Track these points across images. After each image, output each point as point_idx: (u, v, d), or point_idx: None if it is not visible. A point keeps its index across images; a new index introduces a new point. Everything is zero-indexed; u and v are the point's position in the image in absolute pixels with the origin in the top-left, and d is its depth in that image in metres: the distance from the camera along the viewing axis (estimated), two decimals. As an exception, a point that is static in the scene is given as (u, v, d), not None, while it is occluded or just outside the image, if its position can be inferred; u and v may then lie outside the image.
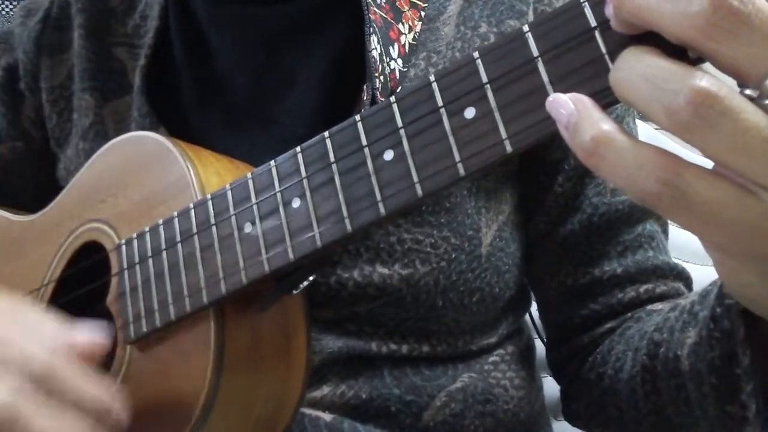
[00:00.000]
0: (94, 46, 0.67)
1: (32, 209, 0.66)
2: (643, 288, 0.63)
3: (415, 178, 0.38)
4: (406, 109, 0.39)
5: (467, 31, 0.61)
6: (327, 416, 0.56)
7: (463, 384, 0.59)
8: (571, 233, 0.63)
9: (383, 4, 0.59)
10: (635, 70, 0.30)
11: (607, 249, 0.63)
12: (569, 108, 0.32)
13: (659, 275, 0.63)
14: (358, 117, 0.41)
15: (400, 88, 0.59)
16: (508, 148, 0.36)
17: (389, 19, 0.59)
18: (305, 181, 0.42)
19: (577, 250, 0.64)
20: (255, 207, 0.44)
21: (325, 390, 0.56)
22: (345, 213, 0.40)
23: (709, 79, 0.29)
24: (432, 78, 0.39)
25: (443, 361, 0.60)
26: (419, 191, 0.38)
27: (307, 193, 0.42)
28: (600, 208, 0.63)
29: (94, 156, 0.56)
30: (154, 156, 0.52)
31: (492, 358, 0.62)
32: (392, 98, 0.40)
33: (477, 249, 0.58)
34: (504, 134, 0.36)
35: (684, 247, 0.89)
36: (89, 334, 0.43)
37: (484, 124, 0.37)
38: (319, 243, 0.41)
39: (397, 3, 0.61)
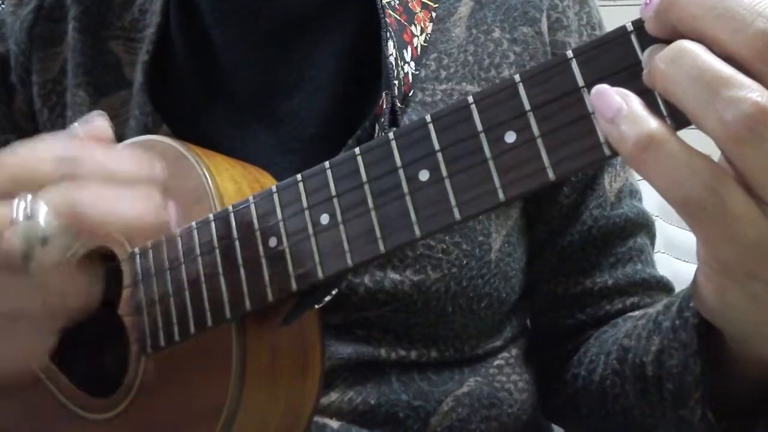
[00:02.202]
0: (89, 39, 0.66)
1: None
2: (629, 301, 0.66)
3: (453, 202, 0.39)
4: (443, 130, 0.40)
5: (480, 35, 0.62)
6: (334, 423, 0.57)
7: (470, 388, 0.61)
8: (569, 244, 0.65)
9: (397, 5, 0.59)
10: (688, 68, 0.31)
11: (600, 261, 0.65)
12: (616, 102, 0.33)
13: (646, 288, 0.66)
14: (391, 135, 0.41)
15: (412, 91, 0.59)
16: (551, 176, 0.37)
17: (402, 21, 0.59)
18: (335, 200, 0.42)
19: (572, 261, 0.66)
20: (281, 223, 0.44)
21: (332, 397, 0.57)
22: (378, 234, 0.41)
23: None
24: (470, 100, 0.39)
25: (450, 366, 0.61)
26: (457, 215, 0.39)
27: (338, 212, 0.42)
28: (599, 221, 0.65)
29: None
30: (168, 161, 0.51)
31: (497, 362, 0.64)
32: (428, 118, 0.40)
33: (487, 255, 0.59)
34: (547, 162, 0.36)
35: (684, 248, 0.92)
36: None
37: (525, 150, 0.37)
38: (350, 263, 0.42)
39: (409, 4, 0.60)
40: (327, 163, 0.43)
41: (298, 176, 0.44)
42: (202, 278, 0.46)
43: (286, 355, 0.49)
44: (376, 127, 0.55)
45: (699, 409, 0.46)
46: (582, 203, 0.64)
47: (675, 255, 0.94)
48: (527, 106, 0.37)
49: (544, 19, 0.62)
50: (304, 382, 0.51)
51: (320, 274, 0.42)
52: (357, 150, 0.42)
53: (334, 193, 0.42)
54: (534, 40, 0.62)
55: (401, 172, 0.40)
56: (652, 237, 0.69)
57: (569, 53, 0.36)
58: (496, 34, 0.62)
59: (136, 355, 0.50)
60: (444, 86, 0.60)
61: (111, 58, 0.66)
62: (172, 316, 0.47)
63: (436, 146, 0.39)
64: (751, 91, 0.29)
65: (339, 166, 0.43)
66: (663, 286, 0.67)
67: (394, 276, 0.56)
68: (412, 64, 0.59)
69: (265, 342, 0.48)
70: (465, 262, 0.58)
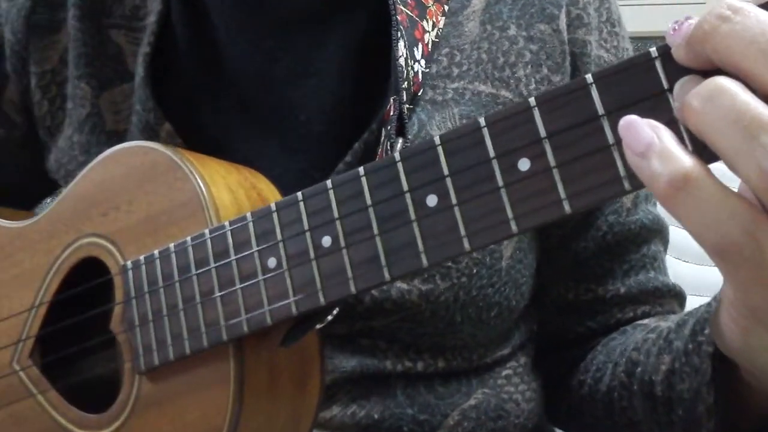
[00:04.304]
0: (89, 28, 0.64)
1: (15, 201, 0.64)
2: (641, 309, 0.65)
3: (463, 232, 0.38)
4: (453, 154, 0.38)
5: (494, 32, 0.60)
6: None
7: (477, 401, 0.60)
8: (583, 249, 0.64)
9: (409, 0, 0.57)
10: (726, 110, 0.29)
11: (614, 268, 0.65)
12: (648, 135, 0.31)
13: (658, 296, 0.66)
14: (398, 156, 0.40)
15: (421, 91, 0.58)
16: (567, 209, 0.35)
17: (414, 16, 0.57)
18: (338, 223, 0.41)
19: (585, 267, 0.65)
20: (281, 244, 0.43)
21: (334, 410, 0.57)
22: (383, 261, 0.40)
23: None
24: (482, 123, 0.38)
25: (458, 377, 0.60)
26: (467, 245, 0.38)
27: (341, 236, 0.41)
28: (615, 227, 0.64)
29: (93, 163, 0.54)
30: (161, 170, 0.50)
31: (505, 372, 0.63)
32: (437, 140, 0.39)
33: (498, 263, 0.58)
34: (563, 194, 0.35)
35: (684, 248, 0.91)
36: None
37: (540, 180, 0.36)
38: (353, 289, 0.41)
39: None
40: (329, 183, 0.42)
41: (299, 195, 0.43)
42: (198, 298, 0.46)
43: (285, 372, 0.48)
44: (383, 132, 0.54)
45: None
46: (597, 209, 0.63)
47: (675, 255, 0.93)
48: (543, 133, 0.36)
49: (562, 16, 0.60)
50: (303, 398, 0.50)
51: (322, 300, 0.42)
52: (361, 170, 0.41)
53: (336, 215, 0.41)
54: (551, 38, 0.60)
55: (408, 196, 0.39)
56: (665, 243, 0.68)
57: (588, 77, 0.35)
58: (512, 31, 0.60)
59: (129, 371, 0.49)
60: (455, 84, 0.59)
61: (113, 48, 0.64)
62: (166, 335, 0.47)
63: (445, 170, 0.38)
64: None
65: (342, 186, 0.41)
66: (675, 294, 0.66)
67: (401, 285, 0.55)
68: (423, 62, 0.58)
69: (263, 360, 0.47)
70: (475, 270, 0.57)
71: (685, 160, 0.30)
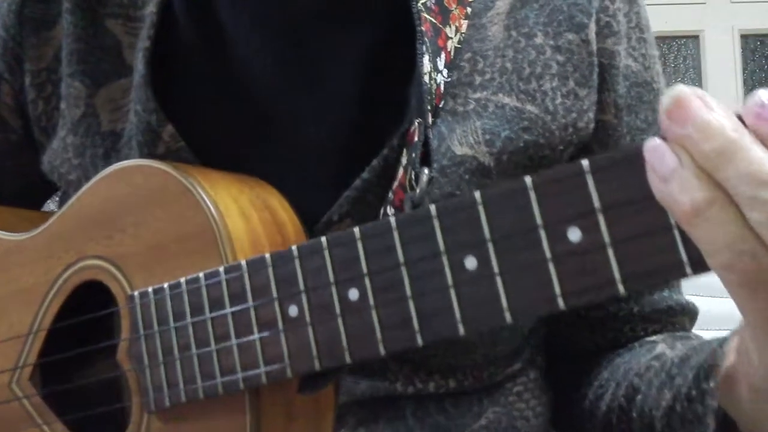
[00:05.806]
0: (83, 20, 0.60)
1: (16, 204, 0.61)
2: (651, 328, 0.65)
3: (504, 304, 0.35)
4: (496, 215, 0.36)
5: (520, 39, 0.57)
6: None
7: (488, 421, 0.59)
8: None
9: (432, 5, 0.54)
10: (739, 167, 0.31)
11: None
12: (673, 162, 0.32)
13: (670, 315, 0.65)
14: (433, 212, 0.37)
15: (442, 102, 0.55)
16: (621, 290, 0.33)
17: (438, 23, 0.54)
18: (367, 279, 0.39)
19: None
20: (304, 294, 0.41)
21: None
22: (416, 326, 0.38)
23: None
24: (528, 183, 0.35)
25: (468, 396, 0.59)
26: (508, 318, 0.36)
27: (369, 293, 0.39)
28: None
29: (95, 180, 0.51)
30: (170, 195, 0.47)
31: (516, 388, 0.62)
32: (478, 197, 0.36)
33: None
34: (617, 275, 0.33)
35: (700, 283, 0.89)
36: None
37: (592, 255, 0.34)
38: (382, 351, 0.39)
39: (445, 1, 0.55)
40: (357, 232, 0.39)
41: (323, 241, 0.40)
42: (213, 344, 0.43)
43: (300, 418, 0.47)
44: (403, 152, 0.51)
45: None
46: None
47: (691, 291, 0.92)
48: (597, 205, 0.33)
49: (592, 25, 0.57)
50: None
51: (348, 360, 0.40)
52: (393, 222, 0.38)
53: (365, 270, 0.39)
54: (580, 49, 0.57)
55: (445, 258, 0.37)
56: None
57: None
58: (539, 39, 0.57)
59: (138, 408, 0.47)
60: (478, 95, 0.56)
61: (109, 39, 0.60)
62: (178, 378, 0.45)
63: (487, 234, 0.36)
64: None
65: (372, 238, 0.39)
66: (687, 312, 0.66)
67: None
68: (445, 71, 0.55)
69: (280, 406, 0.45)
70: None
71: (700, 188, 0.31)
